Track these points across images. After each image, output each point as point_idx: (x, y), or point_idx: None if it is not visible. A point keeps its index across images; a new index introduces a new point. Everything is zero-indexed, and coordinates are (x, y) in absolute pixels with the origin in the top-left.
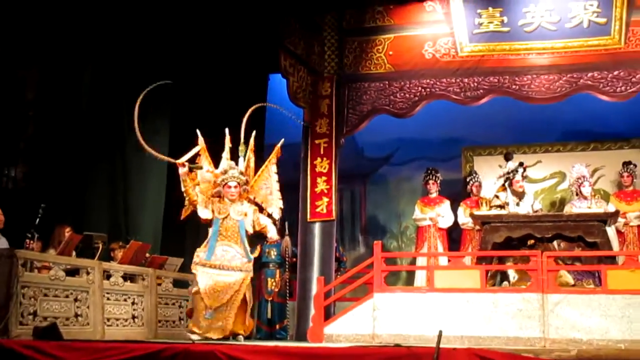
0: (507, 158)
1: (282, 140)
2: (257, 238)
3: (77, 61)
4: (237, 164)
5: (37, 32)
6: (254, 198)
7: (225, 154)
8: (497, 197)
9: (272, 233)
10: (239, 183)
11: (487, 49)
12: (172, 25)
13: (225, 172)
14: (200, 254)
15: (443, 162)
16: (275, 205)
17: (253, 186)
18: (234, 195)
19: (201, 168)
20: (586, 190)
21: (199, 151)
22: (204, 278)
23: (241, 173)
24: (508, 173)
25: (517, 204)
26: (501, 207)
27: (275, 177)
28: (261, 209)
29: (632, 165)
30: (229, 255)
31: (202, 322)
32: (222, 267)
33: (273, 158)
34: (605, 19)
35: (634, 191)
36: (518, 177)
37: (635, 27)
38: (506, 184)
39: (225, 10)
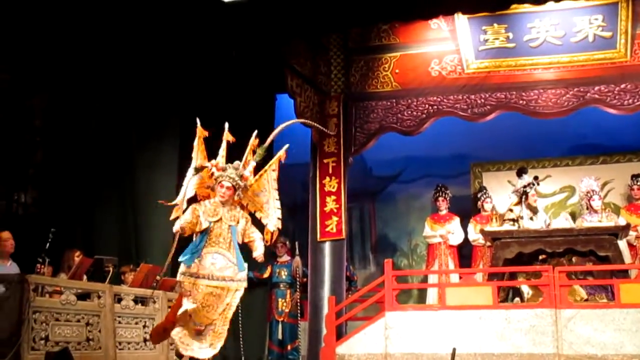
0: (521, 173)
1: (287, 145)
2: (267, 258)
3: (85, 85)
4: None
5: (44, 58)
6: (247, 206)
7: (222, 151)
8: (511, 210)
9: (259, 251)
10: (234, 186)
11: (493, 65)
12: (179, 48)
13: (224, 169)
14: (186, 262)
15: (452, 178)
16: (272, 215)
17: (247, 192)
18: (224, 197)
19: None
20: (596, 203)
21: (197, 146)
22: (192, 291)
23: (241, 177)
24: (524, 187)
25: (531, 219)
26: (514, 220)
27: (275, 185)
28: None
29: None
30: (219, 265)
31: (189, 340)
32: (211, 278)
33: (274, 164)
34: (611, 33)
35: None
36: (533, 191)
37: None
38: (522, 198)
39: (232, 31)
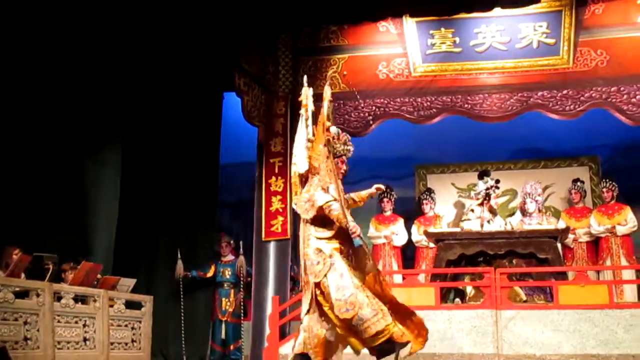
0: (483, 175)
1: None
2: (211, 257)
3: (32, 75)
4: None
5: None
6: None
7: (325, 115)
8: (472, 210)
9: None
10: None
11: (439, 69)
12: (123, 44)
13: (345, 142)
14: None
15: (397, 180)
16: None
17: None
18: (345, 174)
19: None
20: (529, 207)
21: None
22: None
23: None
24: (487, 189)
25: (489, 222)
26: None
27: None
28: None
29: (580, 183)
30: None
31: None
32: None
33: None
34: (554, 40)
35: (584, 208)
36: (494, 194)
37: (583, 47)
38: (485, 201)
39: (179, 28)
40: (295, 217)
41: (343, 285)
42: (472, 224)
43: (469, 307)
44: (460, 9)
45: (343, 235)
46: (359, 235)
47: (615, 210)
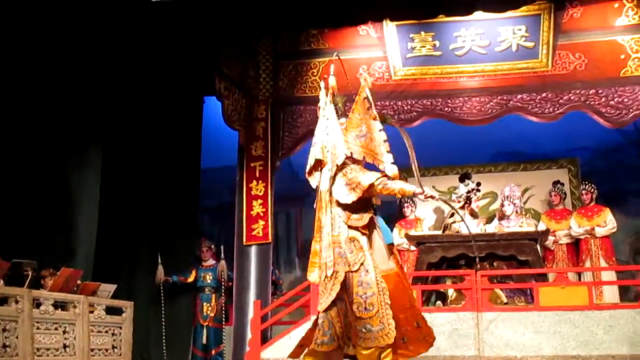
0: (464, 178)
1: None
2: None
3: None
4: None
5: None
6: None
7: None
8: (454, 214)
9: None
10: None
11: (420, 73)
12: (104, 48)
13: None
14: None
15: None
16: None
17: None
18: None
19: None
20: (506, 210)
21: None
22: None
23: None
24: (468, 192)
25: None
26: (448, 225)
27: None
28: None
29: (560, 185)
30: None
31: None
32: None
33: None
34: (533, 43)
35: (564, 210)
36: (475, 197)
37: (562, 50)
38: (466, 204)
39: (160, 32)
40: (277, 220)
41: (367, 282)
42: (463, 225)
43: (451, 309)
44: (440, 13)
45: (371, 227)
46: (438, 198)
47: (594, 212)
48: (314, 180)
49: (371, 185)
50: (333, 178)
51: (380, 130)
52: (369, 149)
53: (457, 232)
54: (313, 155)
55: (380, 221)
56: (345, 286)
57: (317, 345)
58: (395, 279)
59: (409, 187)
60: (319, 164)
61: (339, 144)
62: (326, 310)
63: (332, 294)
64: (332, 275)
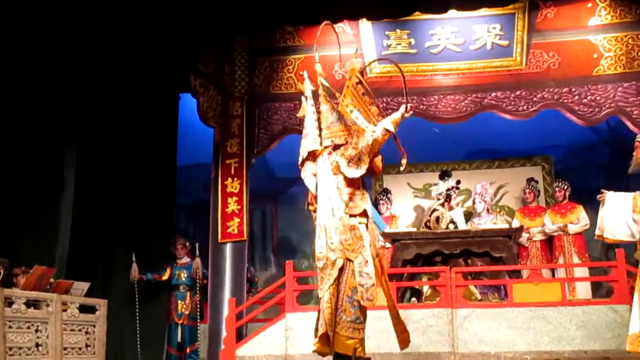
0: (444, 175)
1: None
2: (167, 259)
3: None
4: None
5: None
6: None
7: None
8: (436, 209)
9: None
10: None
11: (395, 70)
12: (78, 45)
13: None
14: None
15: None
16: None
17: None
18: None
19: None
20: (477, 207)
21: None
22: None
23: None
24: (448, 190)
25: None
26: (440, 217)
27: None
28: None
29: (534, 182)
30: None
31: None
32: None
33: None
34: (508, 42)
35: (537, 207)
36: (455, 194)
37: (536, 49)
38: (446, 201)
39: (135, 29)
40: (252, 218)
41: (367, 273)
42: (454, 213)
43: (425, 306)
44: (415, 10)
45: (368, 217)
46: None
47: (568, 209)
48: (305, 173)
49: (375, 140)
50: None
51: (378, 116)
52: (358, 132)
53: (451, 221)
54: (305, 146)
55: (373, 210)
56: (342, 274)
57: (316, 332)
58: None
59: (393, 115)
60: (312, 155)
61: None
62: (323, 296)
63: (330, 280)
64: (333, 262)
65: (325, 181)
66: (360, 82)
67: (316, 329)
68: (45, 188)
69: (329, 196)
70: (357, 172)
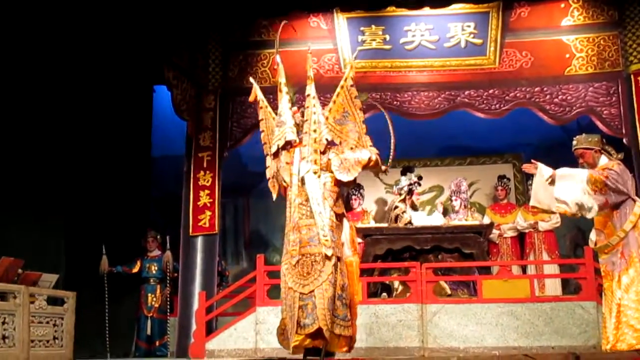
0: (406, 171)
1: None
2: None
3: None
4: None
5: None
6: None
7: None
8: (396, 207)
9: None
10: None
11: (369, 66)
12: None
13: None
14: None
15: None
16: None
17: None
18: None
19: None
20: (454, 204)
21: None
22: None
23: None
24: (409, 185)
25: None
26: (399, 215)
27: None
28: None
29: (506, 179)
30: None
31: None
32: None
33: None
34: (481, 40)
35: (508, 204)
36: (416, 189)
37: (509, 48)
38: (407, 196)
39: (109, 21)
40: (224, 211)
41: (344, 271)
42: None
43: (395, 301)
44: (390, 4)
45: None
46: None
47: None
48: (278, 162)
49: (370, 159)
50: (324, 161)
51: (363, 122)
52: (345, 135)
53: (409, 222)
54: (282, 135)
55: None
56: (336, 269)
57: (299, 327)
58: (349, 268)
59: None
60: (288, 145)
61: (323, 127)
62: (312, 291)
63: (323, 276)
64: (327, 257)
65: (307, 177)
66: (353, 85)
67: (299, 324)
68: (13, 180)
69: (311, 192)
70: (346, 177)
